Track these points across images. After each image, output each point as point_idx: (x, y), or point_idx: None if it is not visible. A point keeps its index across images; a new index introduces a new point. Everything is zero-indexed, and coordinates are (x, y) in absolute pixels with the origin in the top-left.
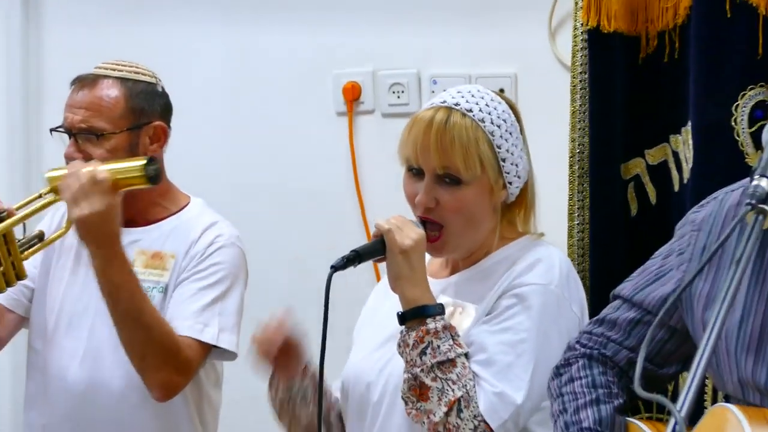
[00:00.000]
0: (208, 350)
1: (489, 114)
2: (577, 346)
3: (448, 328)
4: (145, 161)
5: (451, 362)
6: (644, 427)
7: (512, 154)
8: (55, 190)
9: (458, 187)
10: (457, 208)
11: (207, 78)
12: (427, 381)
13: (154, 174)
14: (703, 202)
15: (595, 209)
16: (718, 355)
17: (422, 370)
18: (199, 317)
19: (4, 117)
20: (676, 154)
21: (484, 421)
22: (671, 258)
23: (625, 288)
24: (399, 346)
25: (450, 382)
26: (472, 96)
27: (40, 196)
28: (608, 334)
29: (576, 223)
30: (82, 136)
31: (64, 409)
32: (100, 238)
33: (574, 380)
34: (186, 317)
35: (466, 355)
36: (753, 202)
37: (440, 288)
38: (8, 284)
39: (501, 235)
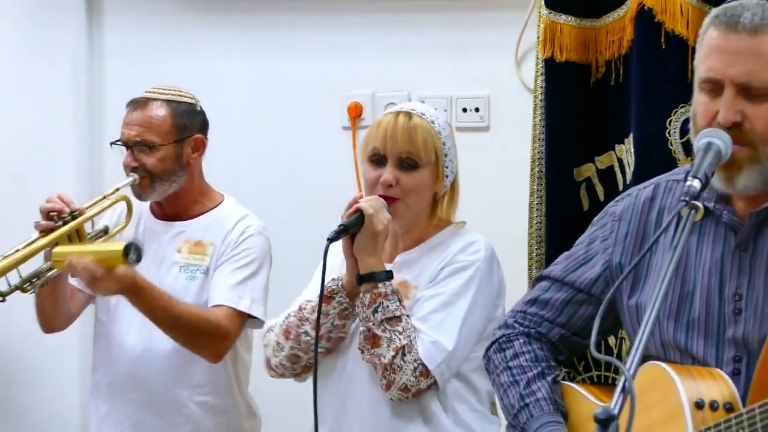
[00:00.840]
0: (243, 319)
1: (437, 119)
2: (516, 324)
3: (396, 293)
4: (122, 248)
5: (397, 318)
6: (578, 389)
7: (451, 152)
8: (58, 265)
9: (416, 171)
10: (413, 187)
11: (239, 99)
12: (378, 332)
13: (135, 260)
14: (617, 198)
15: (550, 205)
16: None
17: (374, 324)
18: (235, 290)
19: (72, 132)
20: (620, 161)
21: (423, 363)
22: (595, 244)
23: (554, 271)
24: (357, 306)
25: (397, 333)
26: (422, 107)
27: (104, 198)
28: (541, 314)
29: (535, 215)
30: (137, 148)
31: (124, 369)
32: (122, 292)
33: (518, 356)
34: (225, 290)
35: (408, 316)
36: (687, 199)
37: (391, 268)
38: None
39: (435, 224)
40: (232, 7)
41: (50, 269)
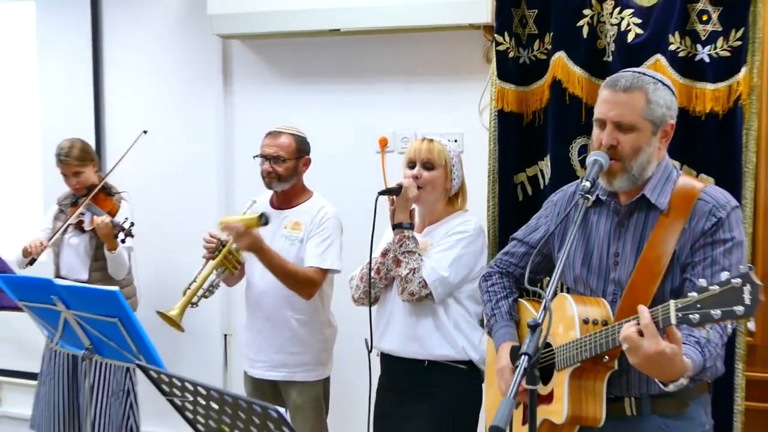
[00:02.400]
0: (326, 272)
1: (447, 145)
2: (494, 266)
3: (414, 239)
4: (258, 216)
5: (413, 253)
6: (527, 304)
7: (457, 165)
8: (222, 227)
9: (432, 170)
10: (429, 180)
11: (313, 135)
12: (401, 258)
13: (264, 222)
14: (557, 191)
15: (499, 198)
16: (566, 266)
17: (399, 253)
18: (321, 255)
19: (213, 157)
20: (541, 171)
21: (424, 279)
22: (541, 219)
23: (518, 234)
24: (390, 243)
25: (412, 260)
26: (439, 138)
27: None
28: (510, 260)
29: (491, 204)
30: (273, 161)
31: (254, 298)
32: (252, 250)
33: (494, 284)
34: (314, 256)
35: (419, 254)
36: (581, 193)
37: (420, 235)
38: (235, 268)
39: (448, 209)
40: (308, 80)
41: (219, 275)
